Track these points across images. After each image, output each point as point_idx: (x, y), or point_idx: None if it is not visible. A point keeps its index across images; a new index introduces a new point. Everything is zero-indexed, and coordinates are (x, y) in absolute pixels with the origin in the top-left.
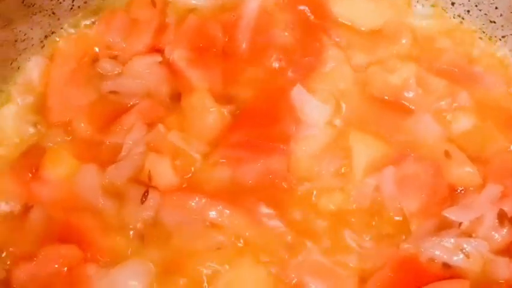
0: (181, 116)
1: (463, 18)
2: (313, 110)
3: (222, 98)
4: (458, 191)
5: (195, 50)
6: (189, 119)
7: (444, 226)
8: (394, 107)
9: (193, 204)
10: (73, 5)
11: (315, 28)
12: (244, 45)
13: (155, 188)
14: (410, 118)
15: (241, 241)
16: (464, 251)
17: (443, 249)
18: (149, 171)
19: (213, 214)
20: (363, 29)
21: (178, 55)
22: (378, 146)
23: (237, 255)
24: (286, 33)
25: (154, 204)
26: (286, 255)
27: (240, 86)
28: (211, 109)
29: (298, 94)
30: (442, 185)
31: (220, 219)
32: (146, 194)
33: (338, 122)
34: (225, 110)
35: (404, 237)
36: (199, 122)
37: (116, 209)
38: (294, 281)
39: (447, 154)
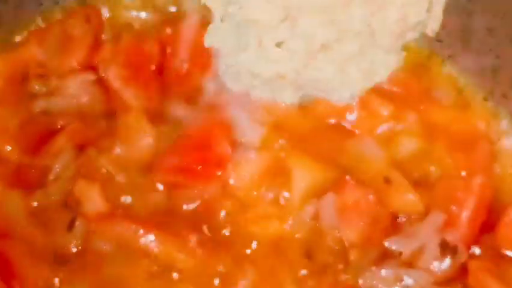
0: (115, 138)
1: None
2: (249, 131)
3: (158, 118)
4: (400, 219)
5: (131, 68)
6: (123, 141)
7: (384, 256)
8: (336, 129)
9: (123, 232)
10: (1, 21)
11: None
12: (182, 63)
13: (84, 214)
14: (352, 141)
15: (174, 270)
16: (403, 282)
17: (382, 281)
18: (78, 197)
19: (144, 242)
20: None
21: (112, 73)
22: (319, 171)
23: (170, 285)
24: None
25: (82, 232)
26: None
27: (178, 106)
28: (146, 131)
29: (235, 115)
30: (384, 212)
31: (151, 248)
32: (73, 221)
33: (277, 144)
34: (161, 132)
35: (342, 267)
36: (134, 144)
37: (43, 237)
38: None
39: (387, 180)
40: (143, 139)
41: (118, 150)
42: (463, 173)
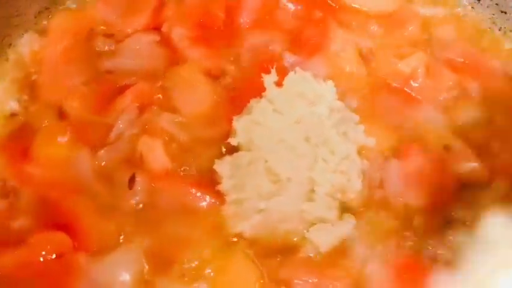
0: (172, 91)
1: (473, 7)
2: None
3: (219, 76)
4: (464, 186)
5: (195, 28)
6: (179, 94)
7: (448, 223)
8: (400, 95)
9: (183, 193)
10: None
11: (322, 9)
12: (247, 26)
13: (147, 171)
14: (416, 108)
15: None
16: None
17: (446, 248)
18: (141, 154)
19: (205, 202)
20: (371, 12)
21: (177, 33)
22: (383, 137)
23: (229, 246)
24: (291, 16)
25: (143, 189)
26: (278, 254)
27: (241, 68)
28: (201, 82)
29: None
30: (448, 180)
31: (212, 207)
32: (133, 178)
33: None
34: (219, 85)
35: (407, 234)
36: (190, 96)
37: (107, 193)
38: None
39: (447, 148)
40: (199, 90)
41: (177, 106)
42: None
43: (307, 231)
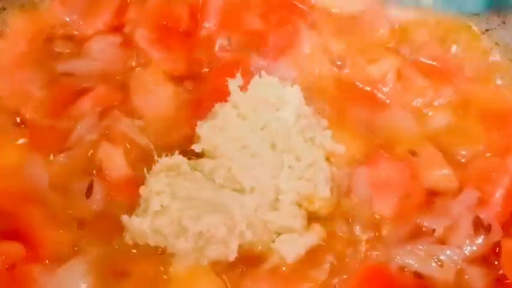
0: (133, 94)
1: (445, 9)
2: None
3: (182, 79)
4: (434, 195)
5: (158, 30)
6: (140, 98)
7: (417, 232)
8: (370, 99)
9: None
10: None
11: (290, 11)
12: (212, 27)
13: (106, 179)
14: (386, 113)
15: None
16: (436, 259)
17: (414, 258)
18: (100, 162)
19: None
20: (340, 14)
21: (139, 34)
22: (351, 142)
23: None
24: (258, 17)
25: (101, 198)
26: (243, 265)
27: (205, 71)
28: (163, 85)
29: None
30: (418, 188)
31: None
32: (91, 186)
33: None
34: (182, 88)
35: (375, 243)
36: (152, 100)
37: (63, 202)
38: None
39: (417, 154)
40: (162, 94)
41: (139, 110)
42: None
43: (273, 241)
